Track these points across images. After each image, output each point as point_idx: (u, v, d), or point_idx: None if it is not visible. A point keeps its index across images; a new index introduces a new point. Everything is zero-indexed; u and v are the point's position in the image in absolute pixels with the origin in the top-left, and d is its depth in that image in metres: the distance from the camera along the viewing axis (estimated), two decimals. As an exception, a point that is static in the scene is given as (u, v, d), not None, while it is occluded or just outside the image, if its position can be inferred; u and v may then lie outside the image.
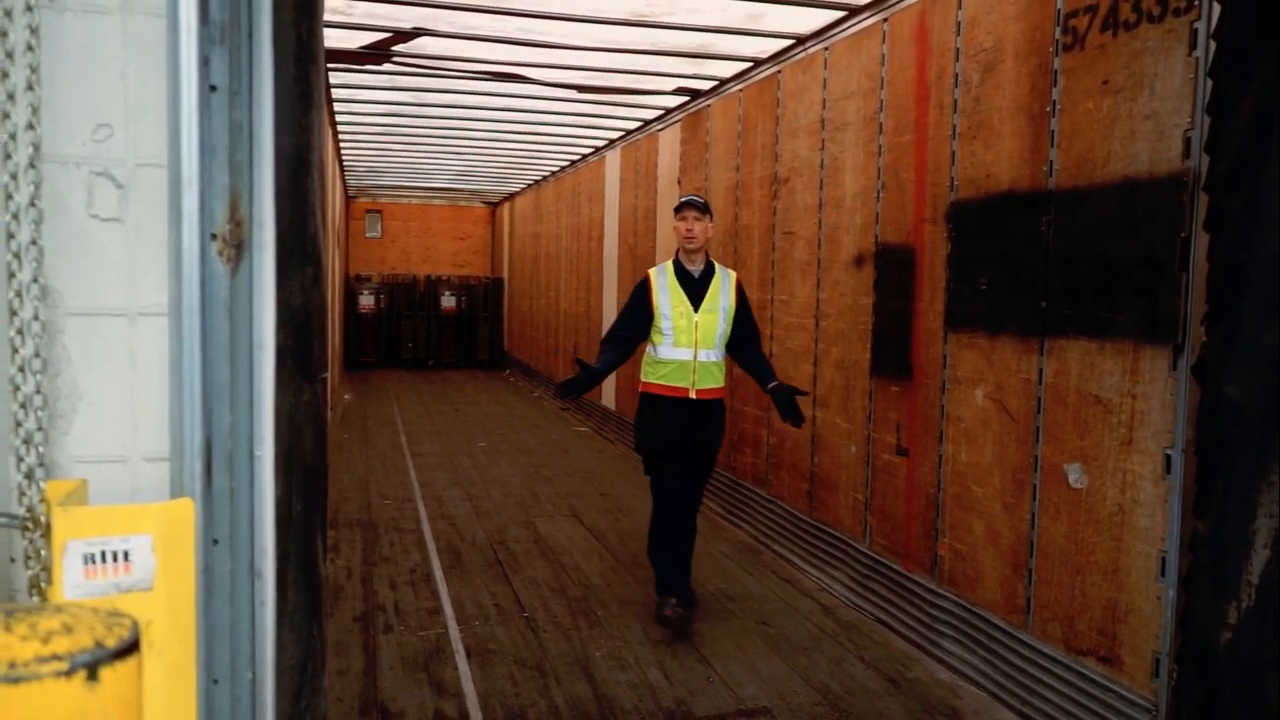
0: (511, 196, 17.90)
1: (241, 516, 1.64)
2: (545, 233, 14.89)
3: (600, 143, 11.02)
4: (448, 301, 18.70)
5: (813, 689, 4.26)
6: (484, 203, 19.88)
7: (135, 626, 0.97)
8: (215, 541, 1.60)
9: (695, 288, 4.93)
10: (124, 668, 0.93)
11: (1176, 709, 3.21)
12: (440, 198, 19.28)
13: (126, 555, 1.30)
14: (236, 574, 1.64)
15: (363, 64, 7.19)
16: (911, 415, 4.88)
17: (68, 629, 0.94)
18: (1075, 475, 3.76)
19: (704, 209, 4.96)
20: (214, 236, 1.58)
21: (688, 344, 4.87)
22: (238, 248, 1.62)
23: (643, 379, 5.05)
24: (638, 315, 4.98)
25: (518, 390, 15.63)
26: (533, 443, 10.54)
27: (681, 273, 4.95)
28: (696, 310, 4.88)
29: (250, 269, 1.63)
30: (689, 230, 4.91)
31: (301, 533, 2.00)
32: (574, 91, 8.13)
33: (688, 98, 8.11)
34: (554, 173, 13.98)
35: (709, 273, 4.99)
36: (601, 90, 8.05)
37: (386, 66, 7.32)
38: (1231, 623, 2.98)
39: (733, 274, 5.08)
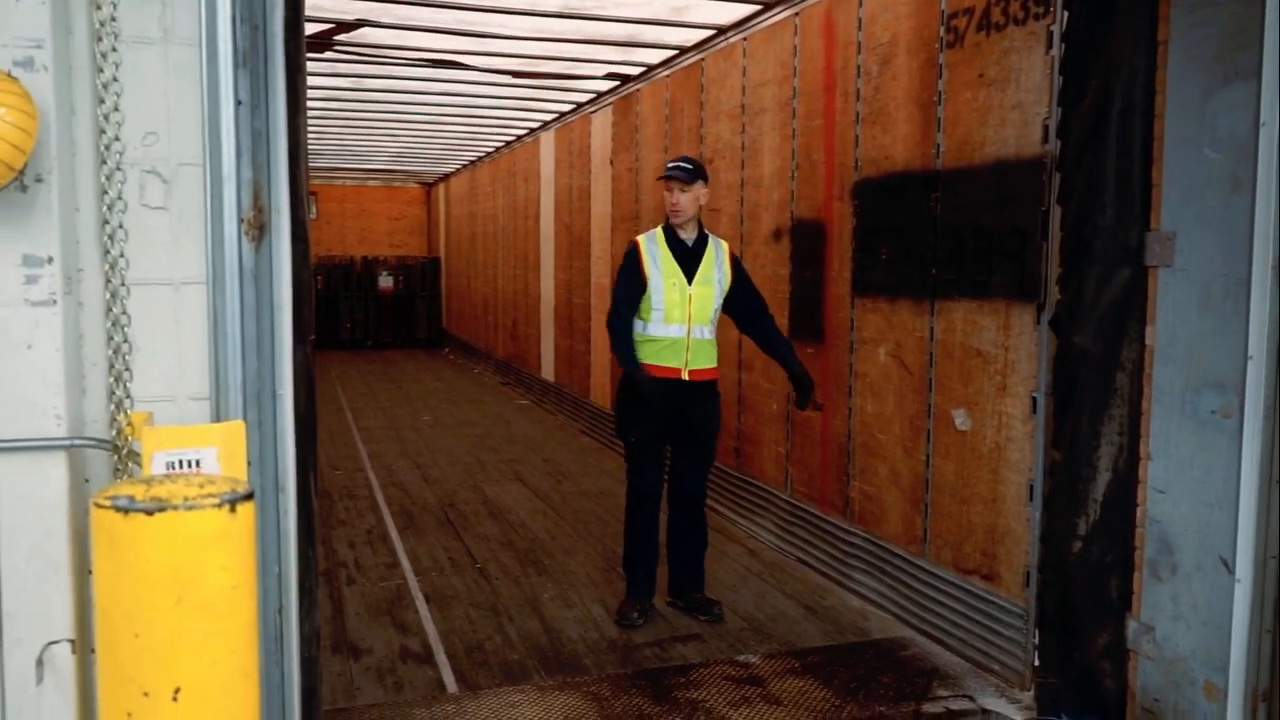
0: (447, 177, 18.14)
1: (268, 442, 2.07)
2: (482, 212, 15.20)
3: (535, 124, 11.38)
4: (385, 281, 18.90)
5: (739, 618, 4.78)
6: (419, 183, 20.06)
7: (250, 486, 1.41)
8: (249, 462, 2.03)
9: (688, 258, 4.56)
10: (248, 506, 1.37)
11: (1040, 611, 3.80)
12: (375, 179, 19.42)
13: (198, 463, 1.72)
14: (265, 489, 2.07)
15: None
16: (825, 373, 5.42)
17: (212, 482, 1.38)
18: (961, 419, 4.32)
19: (691, 176, 4.54)
20: (243, 221, 2.00)
21: (680, 319, 4.51)
22: (260, 229, 2.04)
23: None
24: (635, 288, 4.57)
25: (458, 367, 15.96)
26: (475, 416, 10.94)
27: (673, 240, 4.59)
28: (690, 282, 4.53)
29: (270, 247, 2.06)
30: (674, 204, 4.55)
31: (299, 468, 2.43)
32: (509, 77, 8.50)
33: (618, 82, 8.53)
34: (489, 153, 14.29)
35: (702, 242, 4.62)
36: (536, 76, 8.43)
37: (328, 55, 7.61)
38: (1081, 534, 3.57)
39: (725, 244, 4.74)
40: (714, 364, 4.68)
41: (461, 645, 4.44)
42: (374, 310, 18.91)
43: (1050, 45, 3.77)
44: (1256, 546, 3.07)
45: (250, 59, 2.02)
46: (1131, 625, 3.50)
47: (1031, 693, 3.86)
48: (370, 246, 19.81)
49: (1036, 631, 3.85)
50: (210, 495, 1.34)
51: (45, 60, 1.85)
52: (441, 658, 4.31)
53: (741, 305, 4.72)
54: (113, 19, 1.73)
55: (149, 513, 1.30)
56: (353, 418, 10.74)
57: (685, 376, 4.56)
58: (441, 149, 14.30)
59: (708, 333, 4.61)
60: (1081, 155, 3.51)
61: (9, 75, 1.79)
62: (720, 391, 4.79)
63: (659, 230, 4.68)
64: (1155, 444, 3.41)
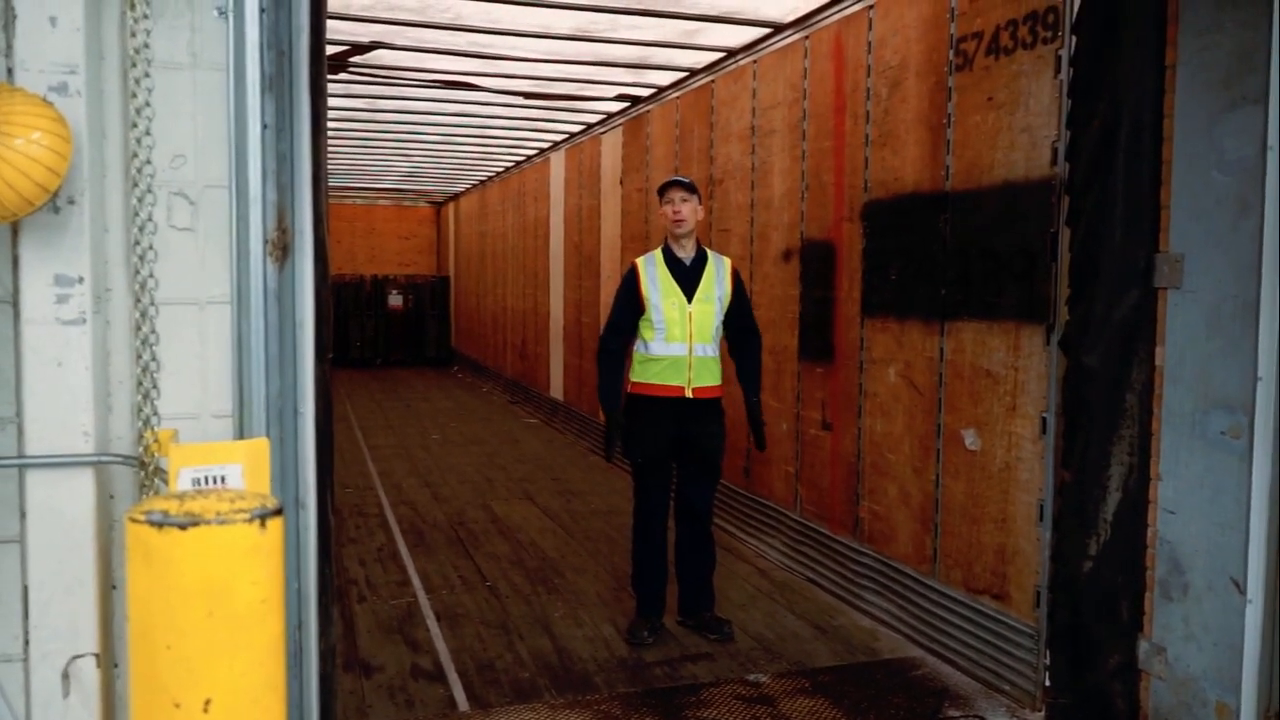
0: (456, 197, 18.25)
1: (289, 459, 2.10)
2: (491, 231, 15.28)
3: (545, 145, 11.47)
4: (394, 300, 19.00)
5: (750, 637, 4.79)
6: (429, 203, 20.18)
7: (279, 501, 1.44)
8: (271, 479, 2.06)
9: (687, 276, 4.61)
10: (277, 522, 1.41)
11: (1051, 631, 3.80)
12: (385, 198, 19.56)
13: (223, 479, 1.76)
14: (286, 505, 2.10)
15: (320, 74, 7.55)
16: (834, 393, 5.45)
17: (243, 498, 1.42)
18: (971, 439, 4.33)
19: (691, 189, 4.63)
20: (267, 242, 2.04)
21: (681, 338, 4.55)
22: (284, 250, 2.08)
23: (632, 378, 4.70)
24: (629, 315, 4.65)
25: (467, 386, 16.01)
26: (484, 434, 10.97)
27: (671, 260, 4.64)
28: (690, 300, 4.57)
29: (293, 267, 2.09)
30: (676, 212, 4.59)
31: (316, 483, 2.46)
32: (521, 98, 8.57)
33: (629, 103, 8.61)
34: (499, 173, 14.38)
35: (701, 260, 4.66)
36: (548, 97, 8.50)
37: (341, 76, 7.69)
38: (1092, 554, 3.58)
39: (727, 261, 4.77)
40: (718, 381, 4.68)
41: (472, 663, 4.46)
42: (383, 328, 19.00)
43: (1059, 69, 3.81)
44: (1267, 567, 3.08)
45: (276, 84, 2.06)
46: (1143, 646, 3.50)
47: (1042, 713, 3.86)
48: (380, 265, 19.92)
49: (1047, 652, 3.85)
50: (241, 511, 1.38)
51: (79, 86, 1.90)
52: (452, 676, 4.32)
53: (734, 321, 4.73)
54: (146, 45, 1.79)
55: (183, 527, 1.34)
56: (362, 435, 10.78)
57: (689, 394, 4.58)
58: (452, 169, 14.40)
59: (710, 350, 4.62)
60: (1090, 178, 3.54)
61: (44, 100, 1.84)
62: (726, 409, 4.80)
63: (657, 251, 4.73)
64: (1165, 464, 3.42)
